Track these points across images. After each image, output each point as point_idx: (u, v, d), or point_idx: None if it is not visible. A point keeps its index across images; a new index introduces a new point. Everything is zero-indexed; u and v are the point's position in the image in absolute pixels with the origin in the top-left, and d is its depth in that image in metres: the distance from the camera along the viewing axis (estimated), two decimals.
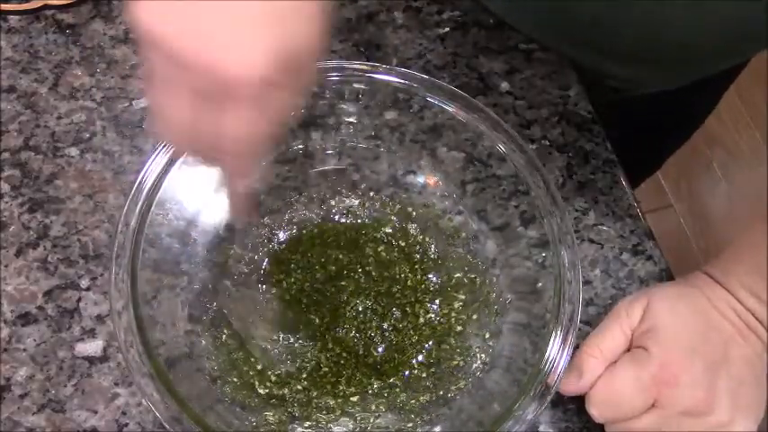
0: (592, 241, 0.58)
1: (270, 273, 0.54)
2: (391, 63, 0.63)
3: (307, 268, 0.54)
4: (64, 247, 0.55)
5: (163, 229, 0.49)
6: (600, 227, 0.59)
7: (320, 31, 0.36)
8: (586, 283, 0.56)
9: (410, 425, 0.49)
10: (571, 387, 0.47)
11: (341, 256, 0.54)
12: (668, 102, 0.73)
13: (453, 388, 0.50)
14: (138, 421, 0.50)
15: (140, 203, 0.48)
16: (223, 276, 0.52)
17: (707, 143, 1.65)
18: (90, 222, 0.56)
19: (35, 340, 0.52)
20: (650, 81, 0.70)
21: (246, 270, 0.53)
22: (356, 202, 0.56)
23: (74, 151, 0.59)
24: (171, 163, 0.49)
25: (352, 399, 0.50)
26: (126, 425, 0.49)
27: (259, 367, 0.50)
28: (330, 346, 0.52)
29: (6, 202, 0.56)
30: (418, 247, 0.55)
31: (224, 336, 0.51)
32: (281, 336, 0.52)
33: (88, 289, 0.53)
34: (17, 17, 0.64)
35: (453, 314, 0.53)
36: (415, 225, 0.56)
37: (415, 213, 0.56)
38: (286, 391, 0.50)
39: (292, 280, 0.54)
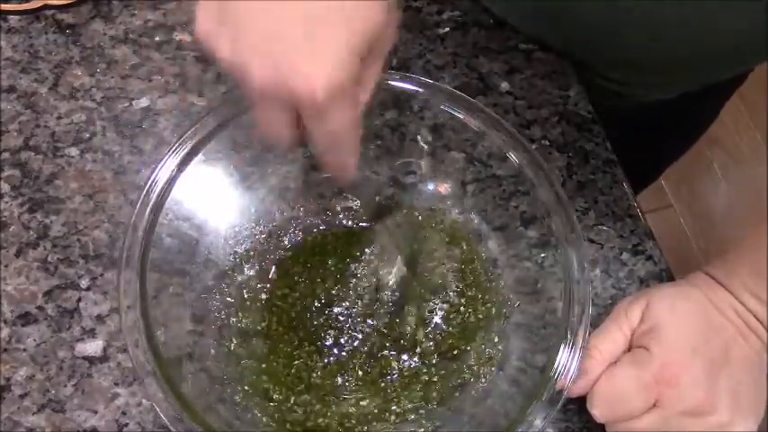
0: (592, 241, 0.58)
1: (277, 285, 0.53)
2: (391, 63, 0.63)
3: (310, 280, 0.54)
4: (64, 247, 0.55)
5: (170, 230, 0.49)
6: (600, 227, 0.59)
7: (385, 21, 0.38)
8: None
9: (421, 431, 0.49)
10: (572, 387, 0.47)
11: (341, 266, 0.54)
12: (668, 110, 0.73)
13: (462, 395, 0.50)
14: (138, 421, 0.50)
15: (151, 204, 0.48)
16: (229, 283, 0.52)
17: (707, 144, 1.65)
18: (90, 222, 0.56)
19: (35, 340, 0.52)
20: (650, 85, 0.70)
21: (254, 284, 0.53)
22: (357, 202, 0.56)
23: (74, 151, 0.59)
24: (183, 163, 0.50)
25: (361, 405, 0.50)
26: (126, 425, 0.49)
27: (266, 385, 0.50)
28: (335, 354, 0.51)
29: (6, 202, 0.56)
30: (419, 248, 0.55)
31: (232, 345, 0.50)
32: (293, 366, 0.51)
33: (88, 289, 0.53)
34: (17, 17, 0.64)
35: (459, 317, 0.53)
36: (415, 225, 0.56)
37: (415, 213, 0.56)
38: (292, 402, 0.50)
39: (297, 295, 0.53)
